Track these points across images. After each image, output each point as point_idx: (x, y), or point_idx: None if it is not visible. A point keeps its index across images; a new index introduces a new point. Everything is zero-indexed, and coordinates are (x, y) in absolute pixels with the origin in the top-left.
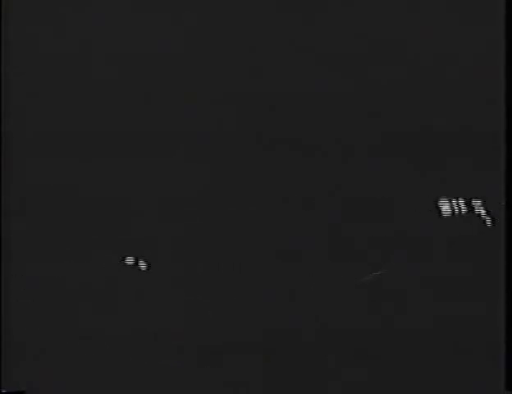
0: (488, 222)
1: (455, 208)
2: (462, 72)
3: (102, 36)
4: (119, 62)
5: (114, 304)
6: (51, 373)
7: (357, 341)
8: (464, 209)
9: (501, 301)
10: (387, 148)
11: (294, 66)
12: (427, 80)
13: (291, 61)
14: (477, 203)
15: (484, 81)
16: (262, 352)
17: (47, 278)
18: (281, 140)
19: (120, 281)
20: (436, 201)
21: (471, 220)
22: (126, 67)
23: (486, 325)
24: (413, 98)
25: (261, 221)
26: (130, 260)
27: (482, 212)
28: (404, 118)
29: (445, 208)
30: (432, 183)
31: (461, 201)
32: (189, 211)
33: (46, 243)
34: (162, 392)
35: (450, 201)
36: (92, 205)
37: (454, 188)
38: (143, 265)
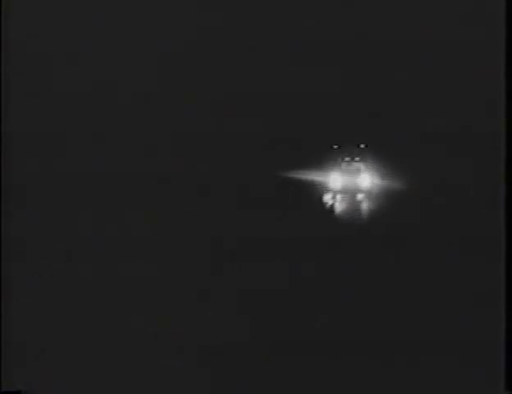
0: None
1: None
2: (462, 72)
3: (103, 36)
4: (119, 62)
5: (114, 304)
6: (51, 373)
7: (366, 339)
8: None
9: (501, 301)
10: (387, 149)
11: (293, 66)
12: (427, 80)
13: (291, 61)
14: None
15: (484, 81)
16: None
17: (47, 278)
18: (280, 140)
19: (120, 281)
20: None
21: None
22: (127, 67)
23: (486, 325)
24: (413, 98)
25: (260, 220)
26: None
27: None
28: (404, 118)
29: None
30: (431, 182)
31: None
32: (189, 211)
33: (46, 243)
34: (162, 392)
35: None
36: (92, 205)
37: (454, 187)
38: None
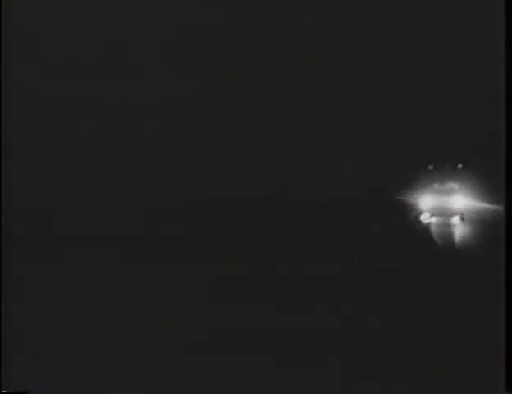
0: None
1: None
2: (462, 72)
3: (102, 36)
4: (120, 63)
5: (114, 304)
6: (51, 373)
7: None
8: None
9: (501, 301)
10: (386, 148)
11: (293, 65)
12: (427, 80)
13: (290, 61)
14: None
15: (484, 81)
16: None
17: (47, 278)
18: (281, 140)
19: (120, 281)
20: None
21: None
22: (127, 68)
23: (486, 325)
24: (413, 98)
25: (261, 220)
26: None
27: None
28: (404, 118)
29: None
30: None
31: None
32: (189, 211)
33: (46, 243)
34: (162, 392)
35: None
36: (92, 205)
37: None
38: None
